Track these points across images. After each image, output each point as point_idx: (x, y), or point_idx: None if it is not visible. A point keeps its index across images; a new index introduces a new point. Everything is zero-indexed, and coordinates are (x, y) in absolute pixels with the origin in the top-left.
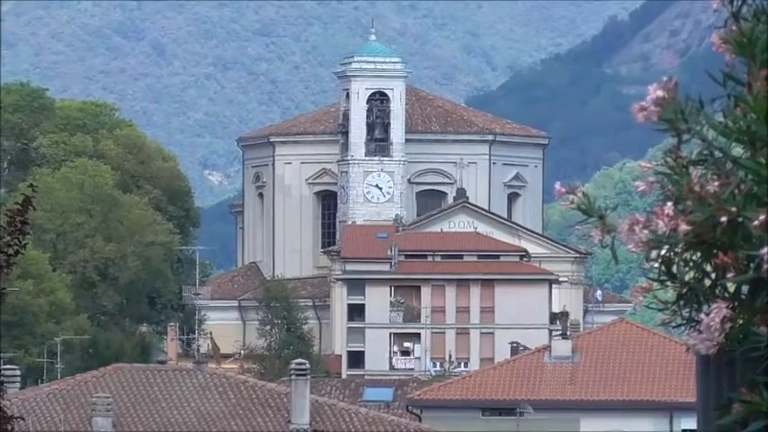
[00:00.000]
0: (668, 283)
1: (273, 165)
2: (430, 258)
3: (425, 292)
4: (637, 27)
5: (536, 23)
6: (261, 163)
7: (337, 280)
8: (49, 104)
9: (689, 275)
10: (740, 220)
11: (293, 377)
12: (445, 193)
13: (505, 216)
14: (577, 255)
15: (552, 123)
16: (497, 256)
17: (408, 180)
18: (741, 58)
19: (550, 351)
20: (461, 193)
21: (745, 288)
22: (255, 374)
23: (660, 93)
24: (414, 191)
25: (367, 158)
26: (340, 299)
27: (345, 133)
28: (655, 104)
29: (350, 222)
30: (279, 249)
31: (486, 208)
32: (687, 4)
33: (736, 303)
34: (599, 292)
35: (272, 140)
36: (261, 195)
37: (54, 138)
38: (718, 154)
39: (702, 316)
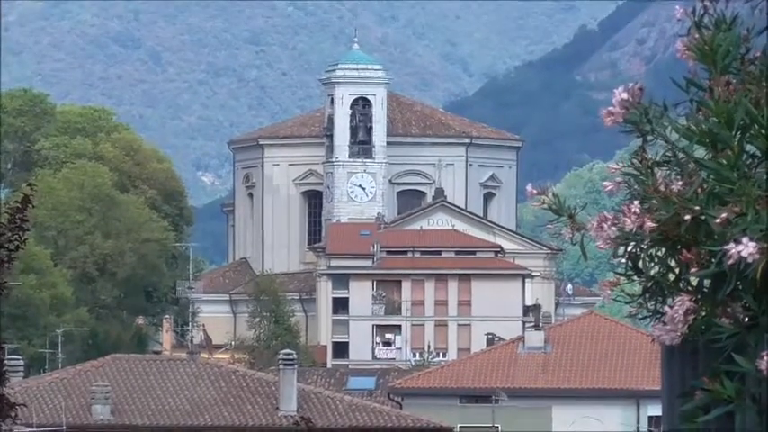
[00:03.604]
0: (635, 277)
1: (262, 166)
2: (410, 254)
3: (406, 286)
4: (605, 36)
5: (510, 33)
6: (250, 164)
7: (323, 275)
8: (50, 109)
9: (654, 270)
10: (703, 218)
11: (281, 367)
12: (424, 193)
13: (481, 215)
14: (549, 251)
15: (525, 127)
16: (474, 252)
17: (390, 180)
18: (703, 64)
19: (524, 342)
20: (440, 192)
21: (707, 282)
22: (245, 364)
23: (624, 95)
24: (395, 191)
25: (350, 160)
26: (325, 293)
27: (330, 136)
28: (620, 106)
29: (334, 220)
30: (268, 246)
31: (463, 207)
32: (653, 14)
33: (699, 296)
34: (569, 286)
35: (261, 143)
36: (251, 195)
37: (55, 140)
38: (681, 156)
39: (667, 308)
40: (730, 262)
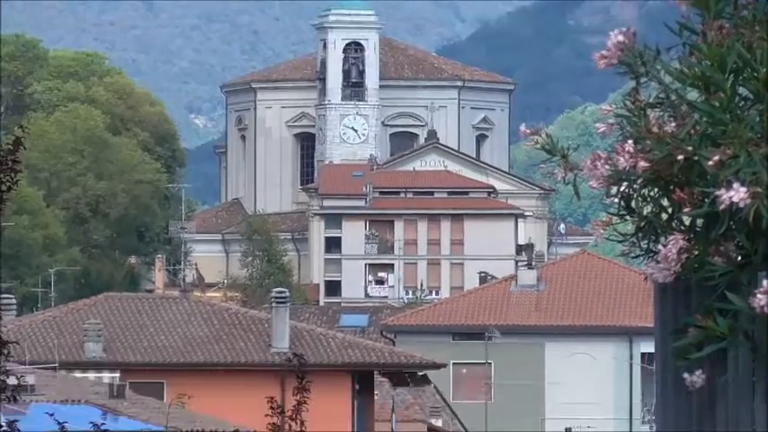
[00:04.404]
0: (627, 217)
1: (255, 109)
2: (403, 195)
3: (398, 226)
4: None
5: None
6: (243, 107)
7: (315, 215)
8: (42, 54)
9: (647, 210)
10: (696, 158)
11: (274, 305)
12: (417, 135)
13: (474, 156)
14: (542, 191)
15: (518, 71)
16: (466, 193)
17: (382, 123)
18: (696, 9)
19: (517, 280)
20: (432, 134)
21: (700, 221)
22: (238, 302)
23: (621, 37)
24: (387, 132)
25: (343, 103)
26: (318, 232)
27: (323, 80)
28: (615, 48)
29: (327, 162)
30: (260, 186)
31: (456, 149)
32: None
33: (692, 235)
34: (562, 226)
35: (253, 86)
36: (243, 137)
37: (48, 84)
38: (674, 97)
39: (660, 247)
40: (722, 207)
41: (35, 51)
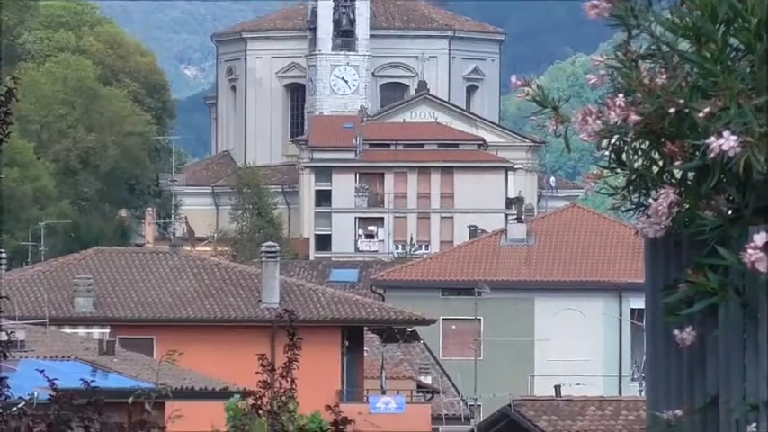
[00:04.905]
0: (618, 170)
1: (245, 59)
2: (393, 147)
3: (388, 178)
4: None
5: None
6: (233, 57)
7: (305, 167)
8: (33, 3)
9: (638, 163)
10: (687, 111)
11: (264, 259)
12: (407, 86)
13: (464, 107)
14: (532, 143)
15: (508, 21)
16: (456, 145)
17: (372, 73)
18: None
19: (506, 234)
20: (422, 85)
21: (690, 175)
22: (228, 256)
23: None
24: (377, 83)
25: (333, 53)
26: (308, 185)
27: (313, 29)
28: (606, 1)
29: (317, 113)
30: (250, 138)
31: (446, 100)
32: None
33: (683, 189)
34: (552, 179)
35: (244, 36)
36: (233, 88)
37: (38, 34)
38: (665, 49)
39: (651, 201)
40: (712, 156)
41: (25, 0)
